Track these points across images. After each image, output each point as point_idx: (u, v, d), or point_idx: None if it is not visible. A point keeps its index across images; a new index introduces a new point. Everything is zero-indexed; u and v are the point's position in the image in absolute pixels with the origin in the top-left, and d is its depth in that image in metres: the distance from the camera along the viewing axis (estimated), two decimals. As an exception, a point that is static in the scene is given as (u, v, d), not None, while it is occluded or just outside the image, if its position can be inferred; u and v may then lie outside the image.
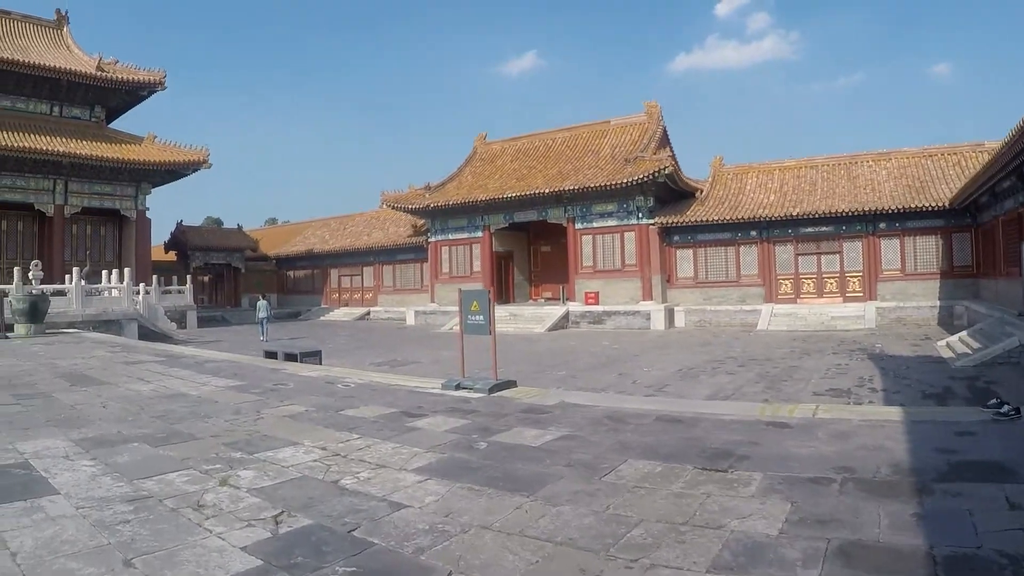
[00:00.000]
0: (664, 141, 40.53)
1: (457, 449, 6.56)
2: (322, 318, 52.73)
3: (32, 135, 39.33)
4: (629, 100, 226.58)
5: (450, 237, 45.16)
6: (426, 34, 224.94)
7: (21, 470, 5.93)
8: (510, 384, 10.14)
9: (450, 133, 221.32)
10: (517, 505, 4.85)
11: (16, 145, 37.66)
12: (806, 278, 34.92)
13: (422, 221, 48.03)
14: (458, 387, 10.01)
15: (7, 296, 25.03)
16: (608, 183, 36.21)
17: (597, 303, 37.63)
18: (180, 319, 39.14)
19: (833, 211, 33.02)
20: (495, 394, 9.62)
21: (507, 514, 4.67)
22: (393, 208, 47.68)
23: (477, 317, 10.18)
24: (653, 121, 41.33)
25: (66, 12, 49.53)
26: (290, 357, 15.61)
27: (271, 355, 16.41)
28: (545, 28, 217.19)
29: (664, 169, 34.59)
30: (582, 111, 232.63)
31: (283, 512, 4.77)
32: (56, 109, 43.75)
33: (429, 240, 46.57)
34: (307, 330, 40.56)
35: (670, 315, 36.05)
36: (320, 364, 15.25)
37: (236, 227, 61.19)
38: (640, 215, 37.23)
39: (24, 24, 47.81)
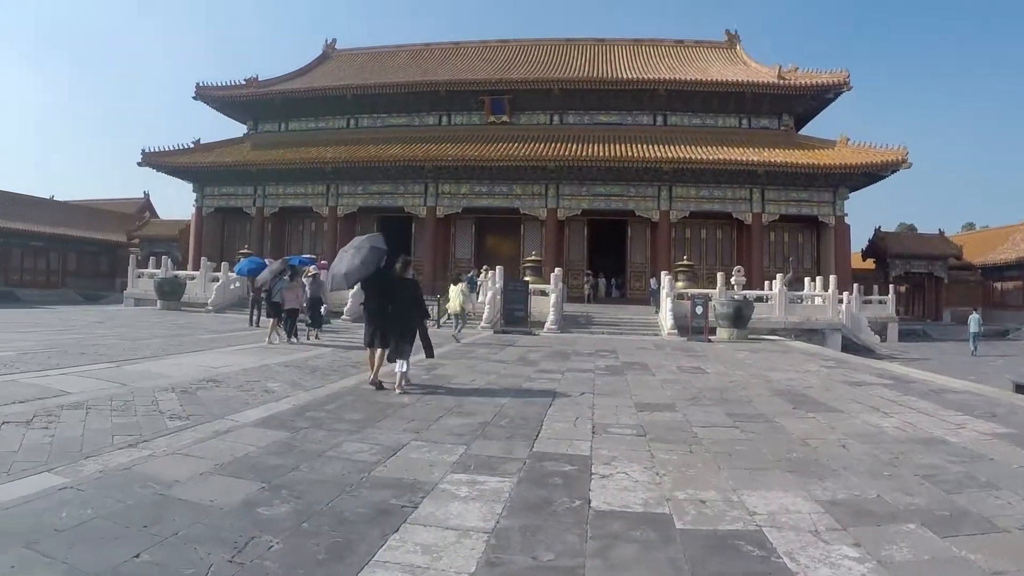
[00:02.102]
0: None
1: None
2: (1036, 339, 45.29)
3: (725, 148, 41.17)
4: None
5: None
6: None
7: (754, 548, 4.26)
8: None
9: None
10: None
11: (712, 158, 39.81)
12: None
13: None
14: None
15: (711, 300, 25.77)
16: None
17: None
18: (880, 331, 36.89)
19: None
20: None
21: None
22: None
23: None
24: None
25: (735, 31, 53.14)
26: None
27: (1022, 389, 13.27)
28: None
29: None
30: None
31: None
32: (744, 122, 45.58)
33: None
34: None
35: None
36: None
37: (937, 232, 56.81)
38: None
39: (697, 49, 52.59)
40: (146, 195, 71.12)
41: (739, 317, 24.77)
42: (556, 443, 7.11)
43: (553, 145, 41.59)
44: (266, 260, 27.94)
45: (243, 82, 50.52)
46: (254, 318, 25.24)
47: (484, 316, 27.30)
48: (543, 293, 29.05)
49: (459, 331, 21.98)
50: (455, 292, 22.13)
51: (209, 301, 33.83)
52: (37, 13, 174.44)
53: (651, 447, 7.00)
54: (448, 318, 25.48)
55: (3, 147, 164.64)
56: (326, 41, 59.08)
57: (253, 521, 4.55)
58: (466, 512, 4.84)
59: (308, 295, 20.53)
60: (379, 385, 10.79)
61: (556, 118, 46.07)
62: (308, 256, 31.15)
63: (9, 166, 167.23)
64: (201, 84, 49.49)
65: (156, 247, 53.33)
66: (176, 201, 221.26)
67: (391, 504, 4.97)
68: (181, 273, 38.34)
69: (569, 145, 41.48)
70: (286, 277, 19.25)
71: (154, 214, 67.48)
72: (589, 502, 5.12)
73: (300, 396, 9.86)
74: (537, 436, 7.43)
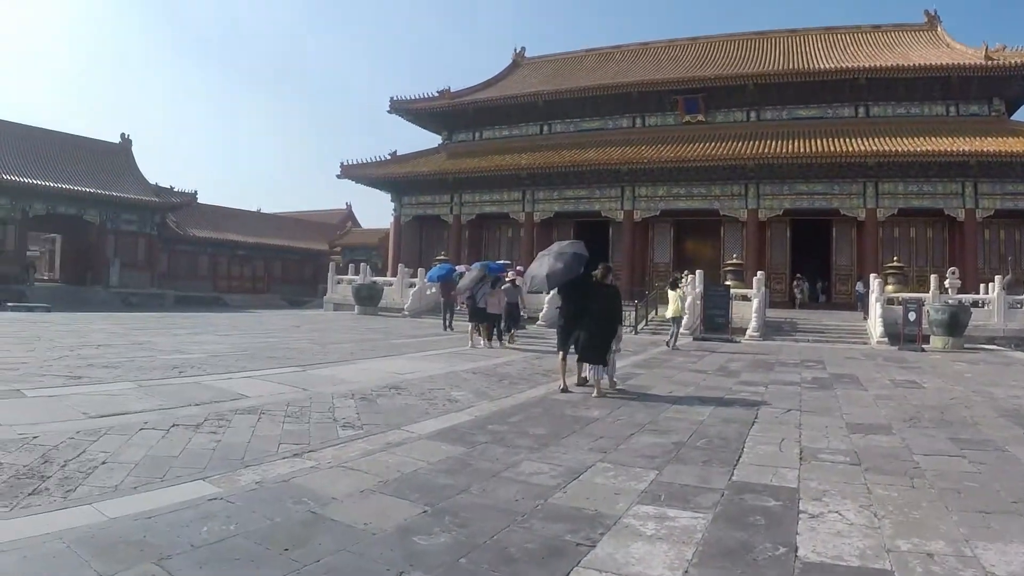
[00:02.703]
0: None
1: None
2: None
3: (932, 138, 37.95)
4: None
5: None
6: None
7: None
8: None
9: None
10: None
11: (920, 149, 36.76)
12: None
13: None
14: None
15: (924, 305, 23.90)
16: None
17: None
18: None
19: None
20: None
21: None
22: None
23: None
24: None
25: (935, 11, 48.71)
26: None
27: None
28: None
29: None
30: None
31: None
32: (951, 109, 41.87)
33: None
34: None
35: None
36: None
37: None
38: None
39: (895, 33, 48.64)
40: (348, 206, 74.87)
41: (955, 324, 22.83)
42: (759, 471, 6.35)
43: (751, 143, 39.92)
44: (458, 267, 28.37)
45: (436, 94, 51.75)
46: (447, 322, 25.68)
47: (683, 323, 26.48)
48: (745, 298, 28.07)
49: (674, 338, 21.51)
50: (674, 297, 21.68)
51: (405, 306, 34.67)
52: (235, 32, 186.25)
53: (867, 479, 6.10)
54: (645, 324, 24.97)
55: (212, 164, 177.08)
56: (515, 50, 59.73)
57: (405, 552, 4.12)
58: (650, 556, 4.20)
59: (507, 300, 20.88)
60: (583, 382, 11.24)
61: (752, 114, 44.16)
62: (502, 262, 31.41)
63: (218, 182, 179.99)
64: (395, 98, 51.15)
65: (357, 255, 55.63)
66: (376, 211, 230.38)
67: (565, 541, 4.40)
68: (379, 279, 39.69)
69: (767, 142, 39.61)
70: (487, 284, 19.66)
71: (356, 224, 70.84)
72: (796, 550, 4.36)
73: (483, 407, 9.54)
74: (737, 461, 6.70)
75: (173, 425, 7.36)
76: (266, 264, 61.12)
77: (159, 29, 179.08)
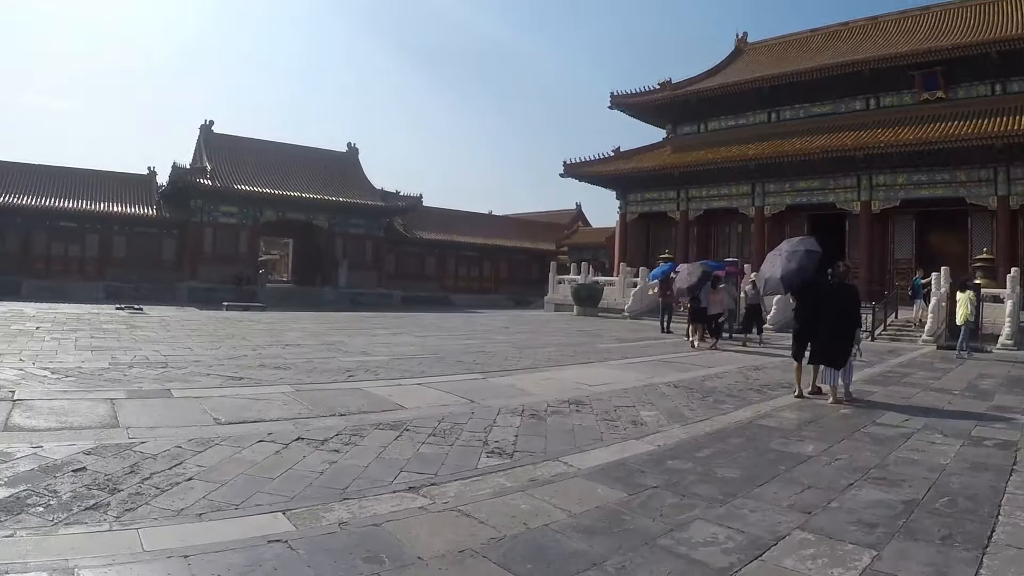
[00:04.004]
0: None
1: None
2: None
3: None
4: None
5: None
6: None
7: None
8: None
9: None
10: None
11: None
12: None
13: None
14: None
15: None
16: None
17: None
18: None
19: None
20: None
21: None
22: None
23: None
24: None
25: None
26: None
27: None
28: None
29: None
30: None
31: None
32: None
33: None
34: None
35: None
36: None
37: None
38: None
39: None
40: (578, 206, 74.76)
41: None
42: (1019, 560, 4.32)
43: (997, 119, 35.05)
44: (679, 266, 27.36)
45: (657, 87, 50.40)
46: (665, 325, 25.08)
47: (926, 328, 23.66)
48: (996, 299, 24.52)
49: (964, 346, 19.61)
50: (963, 300, 19.75)
51: (625, 307, 33.80)
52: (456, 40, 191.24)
53: None
54: (884, 328, 23.94)
55: (441, 170, 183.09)
56: (737, 35, 56.97)
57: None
58: None
59: (747, 302, 20.92)
60: (817, 391, 10.89)
61: (998, 87, 38.48)
62: (731, 259, 30.17)
63: (448, 188, 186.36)
64: (616, 93, 50.42)
65: (583, 254, 55.41)
66: (605, 209, 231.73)
67: None
68: (601, 279, 39.10)
69: (1016, 117, 34.51)
70: (708, 283, 19.08)
71: (585, 223, 70.77)
72: None
73: (672, 433, 8.10)
74: (989, 539, 4.68)
75: (297, 439, 6.77)
76: (493, 264, 62.01)
77: (386, 45, 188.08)
